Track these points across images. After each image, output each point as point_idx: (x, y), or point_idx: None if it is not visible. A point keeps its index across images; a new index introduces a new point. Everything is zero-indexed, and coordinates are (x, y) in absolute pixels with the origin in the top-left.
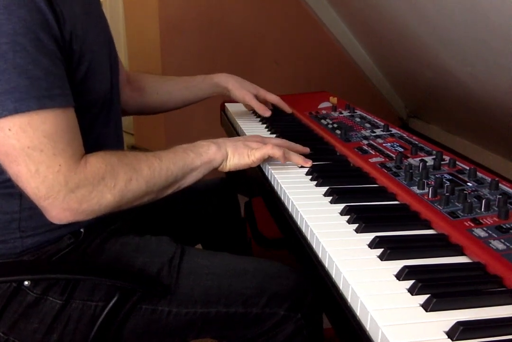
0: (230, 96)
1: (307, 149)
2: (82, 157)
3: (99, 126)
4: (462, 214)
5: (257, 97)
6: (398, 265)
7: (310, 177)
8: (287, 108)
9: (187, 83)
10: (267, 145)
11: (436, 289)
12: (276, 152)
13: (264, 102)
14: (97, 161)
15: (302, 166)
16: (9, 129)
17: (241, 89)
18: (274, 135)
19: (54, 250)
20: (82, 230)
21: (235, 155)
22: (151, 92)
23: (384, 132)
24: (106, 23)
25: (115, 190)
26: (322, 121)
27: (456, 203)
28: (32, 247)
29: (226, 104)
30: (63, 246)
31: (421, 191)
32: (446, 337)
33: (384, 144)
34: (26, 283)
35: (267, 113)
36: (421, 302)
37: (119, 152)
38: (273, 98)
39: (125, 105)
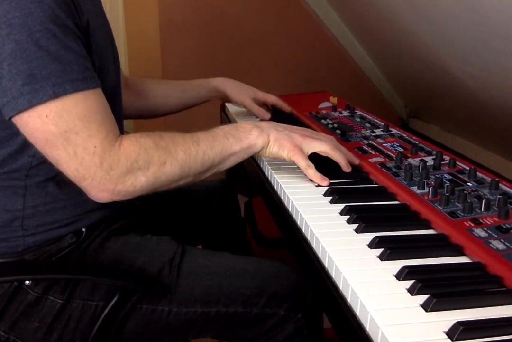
0: (229, 101)
1: (357, 161)
2: (117, 139)
3: None
4: (462, 214)
5: (256, 100)
6: (398, 265)
7: None
8: (286, 108)
9: (184, 86)
10: (310, 168)
11: (436, 289)
12: (310, 173)
13: (263, 103)
14: (131, 144)
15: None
16: (46, 116)
17: (239, 94)
18: None
19: (55, 249)
20: (83, 229)
21: (276, 145)
22: (148, 96)
23: (384, 132)
24: (108, 25)
25: (149, 173)
26: (322, 121)
27: (456, 203)
28: (34, 245)
29: (226, 104)
30: (64, 245)
31: (421, 191)
32: (446, 337)
33: (384, 144)
34: (27, 282)
35: (266, 116)
36: (421, 302)
37: (155, 135)
38: (272, 99)
39: (124, 110)
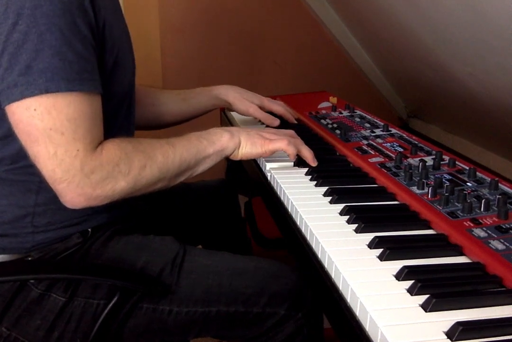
0: (233, 110)
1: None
2: (100, 144)
3: (121, 119)
4: (461, 214)
5: (261, 108)
6: (397, 265)
7: (309, 177)
8: (292, 120)
9: (184, 95)
10: (283, 140)
11: (436, 289)
12: (290, 149)
13: (270, 113)
14: (113, 148)
15: (301, 166)
16: (35, 110)
17: (243, 101)
18: None
19: (62, 248)
20: (89, 229)
21: (248, 144)
22: (147, 104)
23: (384, 132)
24: (125, 23)
25: (129, 177)
26: (322, 121)
27: (456, 203)
28: (42, 243)
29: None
30: (70, 244)
31: (420, 191)
32: (446, 337)
33: (383, 144)
34: None
35: (275, 123)
36: (421, 302)
37: (134, 140)
38: (279, 110)
39: None
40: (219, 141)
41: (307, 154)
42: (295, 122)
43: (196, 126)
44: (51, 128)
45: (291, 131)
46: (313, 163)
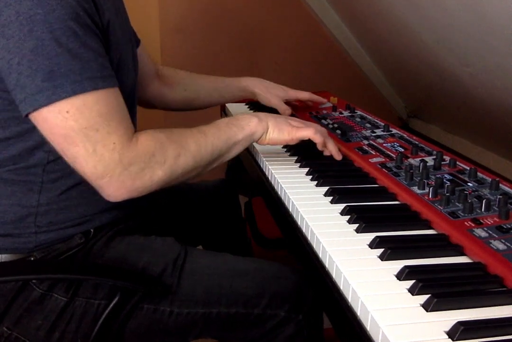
0: (258, 100)
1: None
2: (134, 135)
3: None
4: (462, 214)
5: (288, 99)
6: (398, 265)
7: (310, 177)
8: (322, 100)
9: (216, 84)
10: (310, 128)
11: (437, 289)
12: (318, 138)
13: (298, 100)
14: (146, 139)
15: (302, 166)
16: (67, 112)
17: (267, 93)
18: None
19: (64, 248)
20: (92, 230)
21: (275, 130)
22: (179, 89)
23: (385, 133)
24: (129, 24)
25: (165, 166)
26: (323, 121)
27: (457, 203)
28: (45, 243)
29: (226, 104)
30: (73, 245)
31: (421, 191)
32: (447, 337)
33: (384, 145)
34: None
35: (287, 112)
36: (422, 302)
37: (166, 130)
38: (304, 95)
39: (153, 99)
40: (248, 126)
41: (332, 147)
42: (325, 101)
43: (197, 124)
44: (86, 127)
45: (319, 126)
46: (338, 157)
